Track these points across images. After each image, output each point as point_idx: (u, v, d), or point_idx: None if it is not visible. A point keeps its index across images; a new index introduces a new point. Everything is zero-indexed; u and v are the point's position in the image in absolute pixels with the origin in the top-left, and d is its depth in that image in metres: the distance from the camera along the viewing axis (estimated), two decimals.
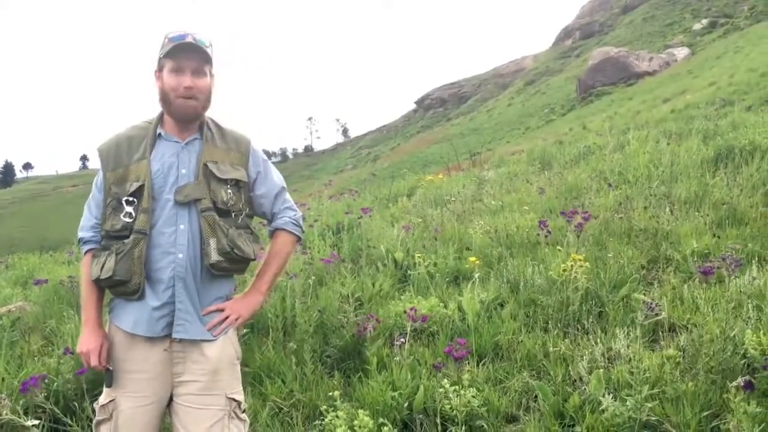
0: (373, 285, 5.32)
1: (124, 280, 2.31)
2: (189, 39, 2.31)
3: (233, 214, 2.41)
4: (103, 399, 2.39)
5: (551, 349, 3.93)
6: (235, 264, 2.41)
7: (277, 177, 2.61)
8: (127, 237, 2.33)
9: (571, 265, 4.49)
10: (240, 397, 2.44)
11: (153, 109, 2.52)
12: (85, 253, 2.48)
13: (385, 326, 4.56)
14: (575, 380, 3.63)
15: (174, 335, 2.32)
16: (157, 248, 2.33)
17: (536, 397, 3.60)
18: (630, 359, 3.60)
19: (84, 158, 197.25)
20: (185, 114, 2.39)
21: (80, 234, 2.50)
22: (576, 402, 3.31)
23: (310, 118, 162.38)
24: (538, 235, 5.91)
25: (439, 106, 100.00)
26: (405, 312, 4.31)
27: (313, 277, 5.25)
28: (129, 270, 2.30)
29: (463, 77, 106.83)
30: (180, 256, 2.32)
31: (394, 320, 4.67)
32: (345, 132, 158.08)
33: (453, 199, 8.96)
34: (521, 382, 3.73)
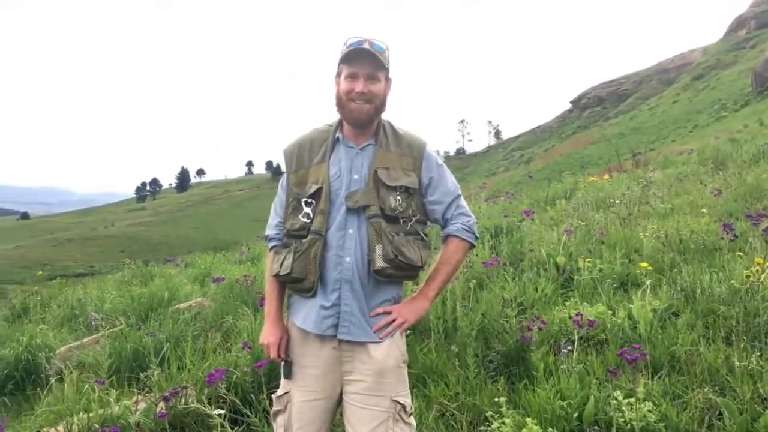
0: (536, 289, 5.19)
1: (299, 278, 2.40)
2: (365, 45, 2.36)
3: (402, 221, 2.40)
4: (280, 391, 2.51)
5: (737, 363, 3.61)
6: (401, 271, 2.40)
7: (451, 183, 2.56)
8: (305, 237, 2.41)
9: (758, 272, 4.12)
10: (406, 400, 2.42)
11: (330, 114, 2.64)
12: (270, 249, 2.60)
13: (549, 333, 4.42)
14: (765, 398, 3.32)
15: (339, 336, 2.38)
16: (329, 250, 2.39)
17: (720, 414, 3.33)
18: None
19: (249, 164, 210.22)
20: (357, 118, 2.43)
21: (267, 232, 2.64)
22: None
23: (462, 121, 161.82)
24: (722, 239, 5.47)
25: (597, 105, 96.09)
26: (570, 318, 4.16)
27: (473, 281, 5.21)
28: (304, 269, 2.39)
29: (623, 74, 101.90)
30: (347, 259, 2.37)
31: (559, 327, 4.52)
32: (497, 134, 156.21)
33: (617, 201, 8.55)
34: (703, 398, 3.46)
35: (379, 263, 2.33)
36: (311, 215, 2.42)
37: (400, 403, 2.37)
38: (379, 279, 2.38)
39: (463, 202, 2.56)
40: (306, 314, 2.44)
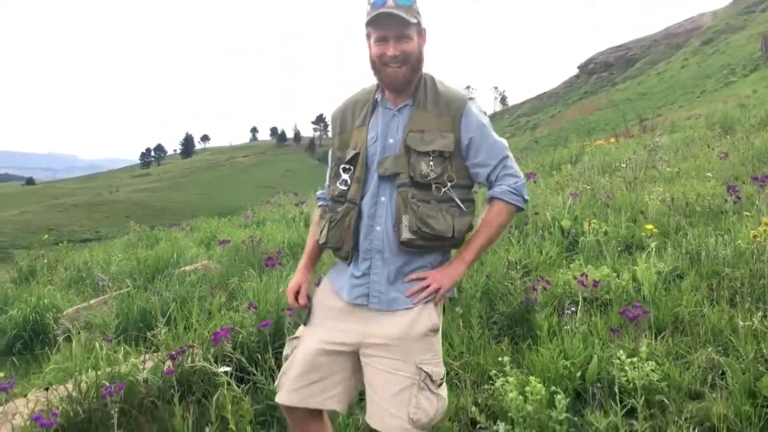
0: (541, 252, 5.19)
1: (335, 248, 2.36)
2: (389, 5, 2.19)
3: (434, 187, 2.24)
4: (295, 334, 2.47)
5: (740, 324, 3.62)
6: (429, 241, 2.24)
7: (496, 142, 2.35)
8: (342, 204, 2.35)
9: (764, 232, 4.10)
10: (433, 369, 2.26)
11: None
12: (318, 207, 2.59)
13: (553, 294, 4.44)
14: None
15: (370, 305, 2.29)
16: (363, 219, 2.31)
17: (723, 374, 3.35)
18: None
19: (254, 130, 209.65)
20: (394, 82, 2.29)
21: (319, 191, 2.62)
22: None
23: (467, 87, 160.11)
24: (726, 201, 5.45)
25: (604, 70, 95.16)
26: (575, 278, 4.17)
27: None
28: (339, 238, 2.32)
29: (631, 39, 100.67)
30: (378, 228, 2.28)
31: (563, 289, 4.53)
32: (503, 100, 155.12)
33: (623, 165, 8.51)
34: (706, 358, 3.48)
35: (405, 234, 2.21)
36: (348, 182, 2.33)
37: (425, 372, 2.22)
38: (407, 250, 2.27)
39: (511, 162, 2.34)
40: (342, 283, 2.37)
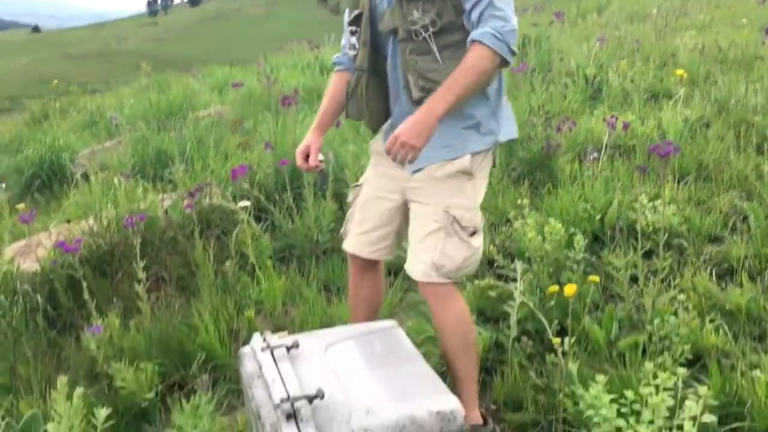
0: (564, 98, 5.04)
1: (357, 119, 2.23)
2: None
3: (430, 35, 1.99)
4: (358, 182, 2.39)
5: (766, 170, 3.56)
6: None
7: None
8: (356, 72, 2.17)
9: None
10: (463, 215, 2.05)
11: None
12: (335, 72, 2.35)
13: (575, 141, 4.35)
14: None
15: (405, 170, 2.13)
16: (390, 84, 2.14)
17: (745, 219, 3.33)
18: None
19: None
20: None
21: (335, 55, 2.38)
22: None
23: None
24: (763, 44, 5.19)
25: None
26: (604, 119, 4.04)
27: None
28: (358, 111, 2.18)
29: None
30: (399, 91, 2.11)
31: (585, 136, 4.43)
32: None
33: (654, 11, 8.09)
34: (728, 203, 3.45)
35: (415, 94, 2.02)
36: (356, 46, 2.14)
37: (454, 216, 2.05)
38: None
39: (502, 3, 1.96)
40: (378, 147, 2.24)
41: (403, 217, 2.23)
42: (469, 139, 2.08)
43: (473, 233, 2.08)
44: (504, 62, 1.95)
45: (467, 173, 2.09)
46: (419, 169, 2.09)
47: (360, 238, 2.29)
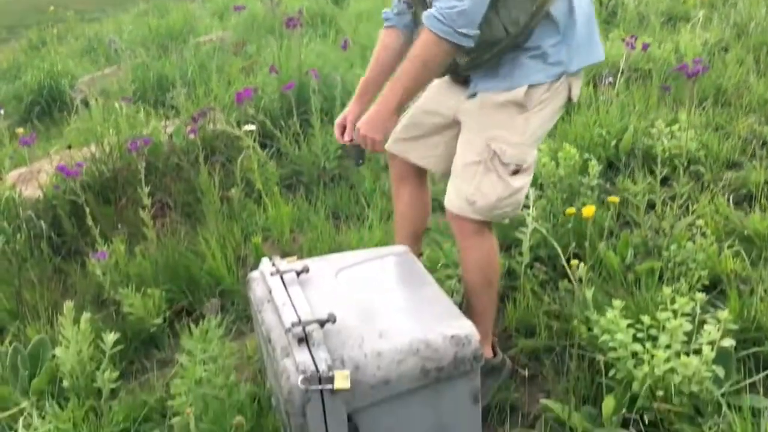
0: None
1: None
2: None
3: None
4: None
5: None
6: (483, 53, 1.84)
7: None
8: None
9: None
10: (505, 149, 1.88)
11: None
12: (385, 28, 2.14)
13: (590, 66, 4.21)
14: None
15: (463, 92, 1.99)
16: None
17: (763, 144, 3.24)
18: None
19: None
20: None
21: (385, 10, 2.16)
22: None
23: None
24: None
25: None
26: (623, 39, 3.89)
27: None
28: None
29: None
30: None
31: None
32: None
33: None
34: (747, 128, 3.35)
35: (459, 58, 1.87)
36: (411, 5, 1.97)
37: (494, 150, 1.89)
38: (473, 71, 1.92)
39: None
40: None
41: (454, 137, 2.07)
42: (533, 69, 1.88)
43: (515, 172, 1.90)
44: (456, 46, 1.74)
45: (519, 105, 1.90)
46: (474, 94, 1.94)
47: (410, 142, 2.15)
